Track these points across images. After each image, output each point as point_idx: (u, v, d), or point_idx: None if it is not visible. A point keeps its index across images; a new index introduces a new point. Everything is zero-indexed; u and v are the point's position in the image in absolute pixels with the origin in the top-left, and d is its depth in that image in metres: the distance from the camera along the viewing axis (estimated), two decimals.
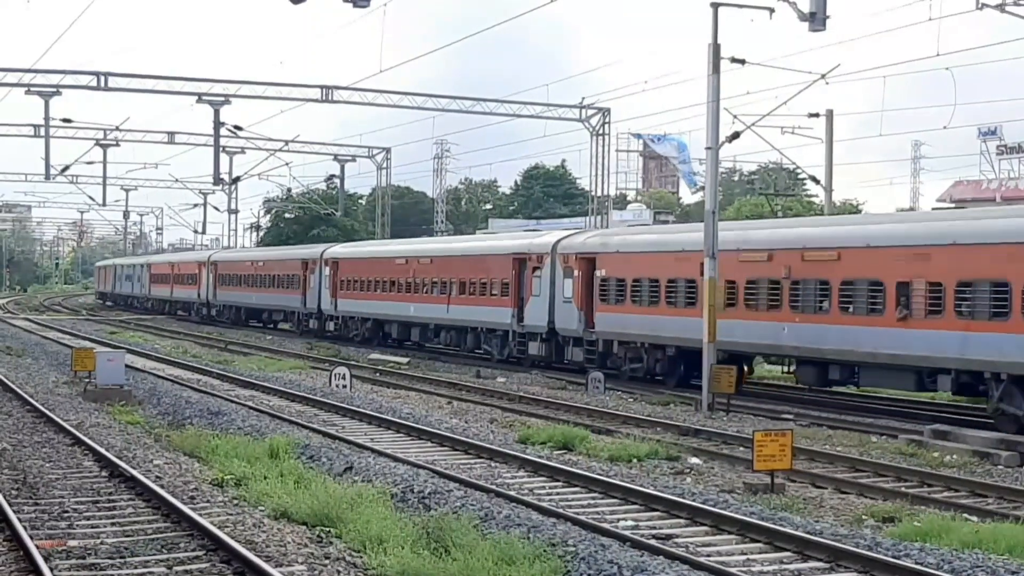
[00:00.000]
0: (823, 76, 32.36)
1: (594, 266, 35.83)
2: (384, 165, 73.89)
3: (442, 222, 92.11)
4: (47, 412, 24.11)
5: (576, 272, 36.57)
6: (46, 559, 12.02)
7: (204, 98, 52.01)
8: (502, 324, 40.68)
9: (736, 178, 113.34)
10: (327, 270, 53.89)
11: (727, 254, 28.78)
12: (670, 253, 32.80)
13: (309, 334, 55.71)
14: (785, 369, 35.06)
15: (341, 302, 52.86)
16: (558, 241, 38.62)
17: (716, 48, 28.26)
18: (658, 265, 33.08)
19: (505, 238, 48.37)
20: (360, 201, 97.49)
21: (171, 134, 67.57)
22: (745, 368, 31.68)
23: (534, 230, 63.24)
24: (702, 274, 28.68)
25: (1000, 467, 19.96)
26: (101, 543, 12.97)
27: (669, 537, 13.87)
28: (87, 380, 29.10)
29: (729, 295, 29.52)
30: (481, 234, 73.06)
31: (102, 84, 48.99)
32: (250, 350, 48.01)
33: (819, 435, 23.39)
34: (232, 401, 27.45)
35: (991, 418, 24.05)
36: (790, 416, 26.48)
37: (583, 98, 55.59)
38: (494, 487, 16.57)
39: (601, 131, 55.77)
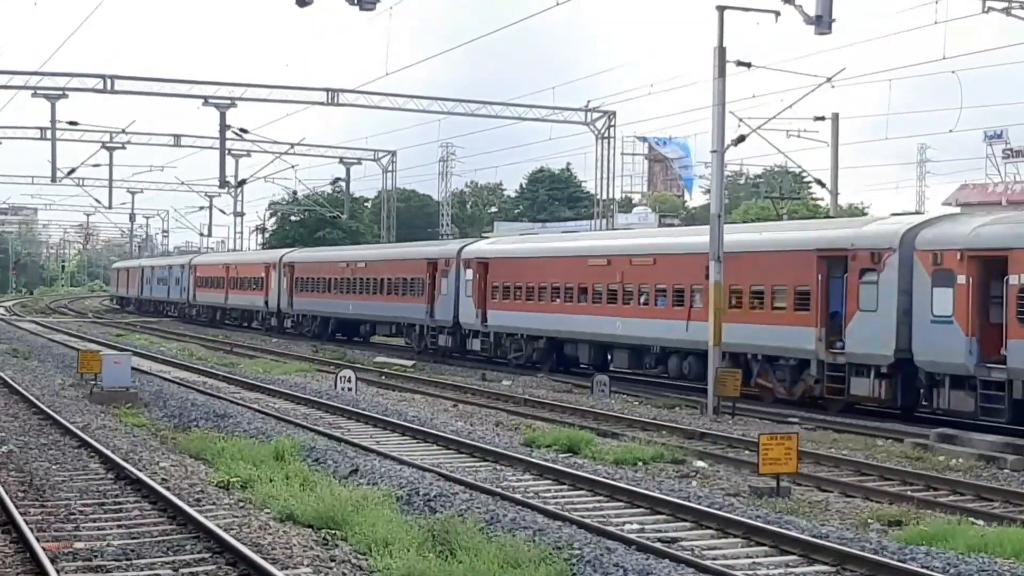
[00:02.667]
0: (829, 79, 32.35)
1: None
2: (390, 168, 73.94)
3: (447, 225, 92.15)
4: (53, 414, 24.14)
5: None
6: (52, 561, 12.04)
7: (210, 101, 52.06)
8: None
9: (742, 181, 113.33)
10: (468, 273, 43.44)
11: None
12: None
13: (437, 354, 45.47)
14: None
15: (494, 315, 41.69)
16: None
17: (722, 51, 28.28)
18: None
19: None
20: (365, 204, 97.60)
21: (177, 137, 67.68)
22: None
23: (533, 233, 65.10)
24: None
25: (1006, 471, 19.91)
26: (107, 545, 12.98)
27: (675, 540, 13.87)
28: (93, 382, 29.12)
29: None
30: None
31: (108, 87, 49.07)
32: (255, 353, 48.03)
33: (824, 438, 23.37)
34: (238, 404, 27.47)
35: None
36: (795, 419, 26.46)
37: (588, 101, 55.63)
38: (499, 490, 16.56)
39: (606, 134, 55.77)
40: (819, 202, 74.50)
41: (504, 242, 46.38)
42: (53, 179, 58.67)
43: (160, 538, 13.44)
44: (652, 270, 33.91)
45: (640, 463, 20.17)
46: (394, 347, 50.84)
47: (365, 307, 52.49)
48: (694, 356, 31.49)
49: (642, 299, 34.10)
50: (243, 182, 70.22)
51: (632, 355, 34.80)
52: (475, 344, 42.97)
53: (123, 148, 66.82)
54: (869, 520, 16.01)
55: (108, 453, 18.95)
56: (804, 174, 72.23)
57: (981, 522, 15.69)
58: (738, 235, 31.26)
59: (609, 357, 36.70)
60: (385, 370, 39.59)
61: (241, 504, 15.57)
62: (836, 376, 27.53)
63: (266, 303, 64.04)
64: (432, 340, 45.82)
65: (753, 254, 30.24)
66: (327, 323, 57.97)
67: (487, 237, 50.89)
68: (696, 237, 32.70)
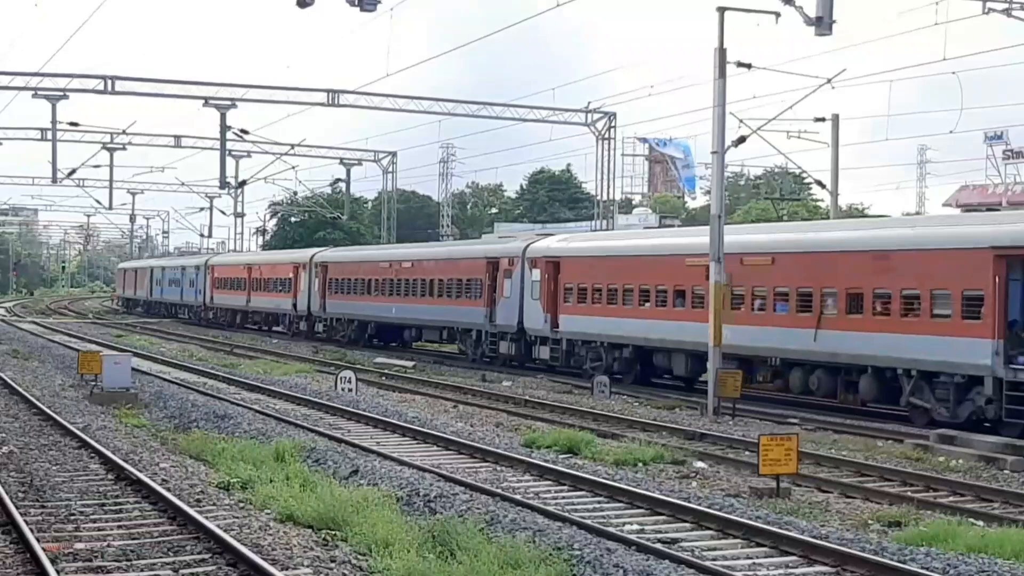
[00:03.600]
0: (829, 80, 32.36)
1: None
2: (390, 169, 73.95)
3: (448, 226, 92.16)
4: (53, 415, 24.14)
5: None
6: (52, 561, 12.04)
7: (211, 102, 52.08)
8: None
9: (742, 182, 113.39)
10: (535, 273, 39.12)
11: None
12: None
13: (496, 362, 41.76)
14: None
15: (567, 320, 37.52)
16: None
17: (722, 52, 28.29)
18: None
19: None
20: (366, 205, 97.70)
21: (177, 138, 67.68)
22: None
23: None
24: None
25: (1006, 472, 19.92)
26: (107, 546, 12.98)
27: (675, 541, 13.87)
28: (93, 383, 29.13)
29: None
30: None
31: (109, 88, 49.08)
32: (255, 353, 48.03)
33: (825, 439, 23.38)
34: (238, 404, 27.47)
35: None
36: (796, 420, 26.47)
37: (589, 102, 55.64)
38: (500, 491, 16.56)
39: (607, 135, 55.79)
40: (819, 203, 74.61)
41: (578, 239, 41.78)
42: (54, 180, 58.70)
43: (160, 539, 13.44)
44: (770, 271, 29.90)
45: (640, 464, 20.18)
46: (445, 355, 47.41)
47: (411, 311, 48.07)
48: (824, 370, 28.21)
49: (756, 304, 30.20)
50: (243, 183, 70.22)
51: (740, 368, 29.44)
52: (543, 352, 38.76)
53: (123, 149, 66.85)
54: (869, 521, 16.01)
55: (108, 454, 18.95)
56: (804, 175, 72.21)
57: (981, 523, 15.69)
58: (888, 230, 28.08)
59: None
60: (385, 371, 39.59)
61: (241, 505, 15.58)
62: (1017, 396, 23.48)
63: (294, 306, 59.97)
64: (491, 347, 41.98)
65: (906, 253, 26.20)
66: (364, 327, 53.42)
67: (551, 234, 44.32)
68: (830, 232, 30.02)
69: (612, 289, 35.68)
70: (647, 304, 34.07)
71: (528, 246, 40.62)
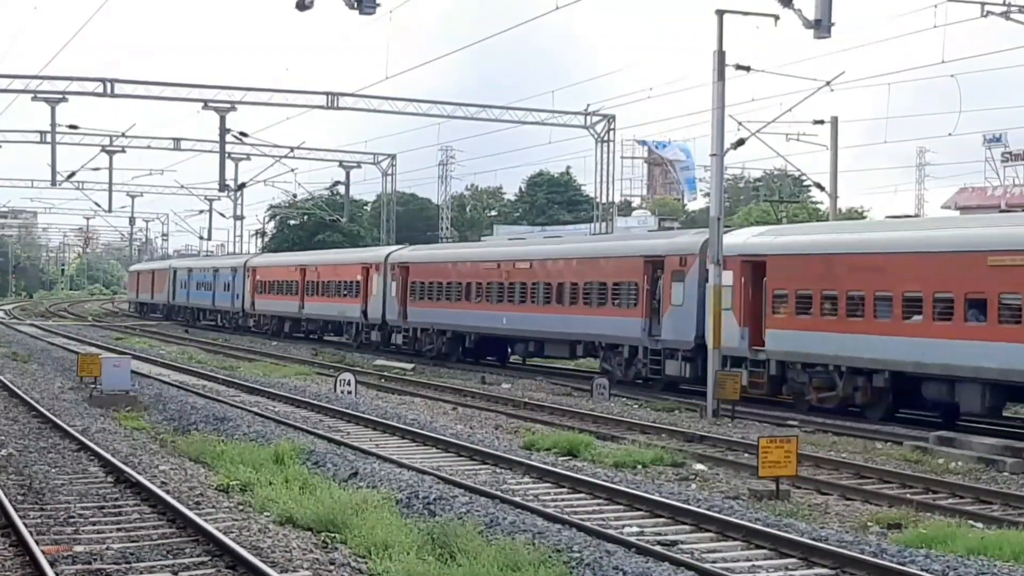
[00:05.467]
0: (828, 83, 32.42)
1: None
2: (389, 171, 73.95)
3: (447, 229, 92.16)
4: (53, 418, 24.14)
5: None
6: (52, 564, 12.03)
7: (210, 104, 52.05)
8: None
9: (742, 184, 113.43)
10: (727, 276, 30.08)
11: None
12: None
13: (658, 385, 33.88)
14: None
15: (781, 337, 29.14)
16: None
17: (721, 55, 28.33)
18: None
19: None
20: (365, 207, 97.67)
21: (177, 140, 67.63)
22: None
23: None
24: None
25: (1005, 474, 19.93)
26: (107, 548, 12.98)
27: (674, 543, 13.87)
28: (93, 386, 29.12)
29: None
30: None
31: (108, 91, 49.05)
32: (255, 356, 48.03)
33: (824, 441, 23.37)
34: (237, 407, 27.47)
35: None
36: (795, 422, 26.47)
37: (588, 105, 55.64)
38: (499, 493, 16.56)
39: (606, 138, 55.79)
40: (819, 206, 74.64)
41: (788, 232, 32.28)
42: (53, 183, 58.62)
43: (160, 541, 13.44)
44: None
45: (640, 466, 20.18)
46: (579, 373, 41.20)
47: (531, 321, 39.74)
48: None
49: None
50: (243, 186, 70.14)
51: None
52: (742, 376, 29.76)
53: (123, 152, 66.79)
54: (868, 523, 16.01)
55: (108, 456, 18.95)
56: (804, 177, 72.26)
57: (980, 525, 15.70)
58: None
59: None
60: (385, 373, 39.60)
61: (241, 507, 15.58)
62: None
63: (364, 313, 51.67)
64: (653, 366, 33.99)
65: None
66: (461, 339, 45.08)
67: (733, 229, 35.29)
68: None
69: (855, 296, 27.34)
70: (915, 317, 25.85)
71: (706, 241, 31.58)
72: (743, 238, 31.80)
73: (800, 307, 28.67)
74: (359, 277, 52.50)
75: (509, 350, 44.41)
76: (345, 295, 54.01)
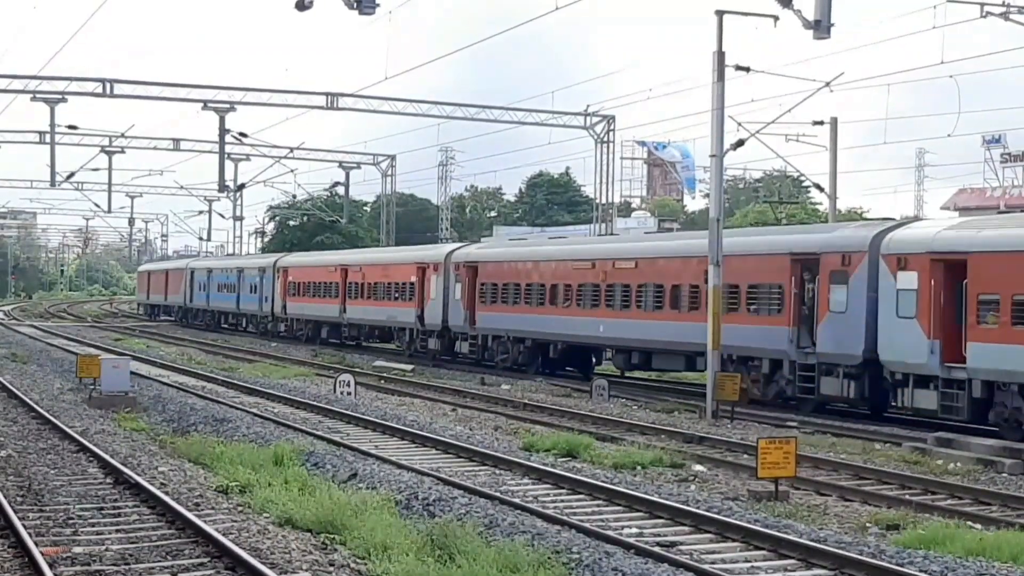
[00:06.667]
0: (827, 84, 32.40)
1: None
2: (389, 172, 73.94)
3: (447, 229, 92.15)
4: (52, 419, 24.14)
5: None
6: (51, 566, 12.04)
7: (209, 105, 52.04)
8: None
9: (742, 186, 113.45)
10: (900, 278, 25.99)
11: None
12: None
13: (818, 407, 28.72)
14: None
15: (987, 351, 23.86)
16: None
17: (720, 56, 28.32)
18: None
19: None
20: (365, 208, 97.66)
21: (176, 141, 67.63)
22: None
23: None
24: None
25: (1004, 475, 19.94)
26: (106, 550, 12.98)
27: (673, 544, 13.88)
28: (92, 387, 29.11)
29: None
30: None
31: (108, 91, 49.03)
32: (254, 357, 48.01)
33: (823, 442, 23.37)
34: (237, 408, 27.46)
35: None
36: (794, 423, 26.47)
37: (588, 106, 55.60)
38: (498, 494, 16.56)
39: (606, 138, 55.78)
40: (818, 206, 74.65)
41: (997, 223, 26.77)
42: (52, 183, 58.62)
43: (159, 543, 13.44)
44: None
45: (639, 467, 20.18)
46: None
47: (637, 329, 34.19)
48: None
49: None
50: (242, 186, 70.21)
51: None
52: (921, 399, 25.42)
53: (122, 152, 66.82)
54: (867, 524, 16.02)
55: (107, 457, 18.95)
56: (803, 178, 72.30)
57: (979, 526, 15.71)
58: None
59: None
60: (384, 374, 39.59)
61: (240, 508, 15.58)
62: None
63: (420, 318, 46.18)
64: (803, 384, 28.58)
65: None
66: (545, 349, 39.61)
67: (895, 221, 30.78)
68: None
69: None
70: None
71: (884, 235, 27.02)
72: (932, 231, 26.50)
73: (1019, 316, 23.43)
74: (413, 278, 47.11)
75: (594, 360, 40.47)
76: (397, 298, 48.77)
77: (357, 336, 55.23)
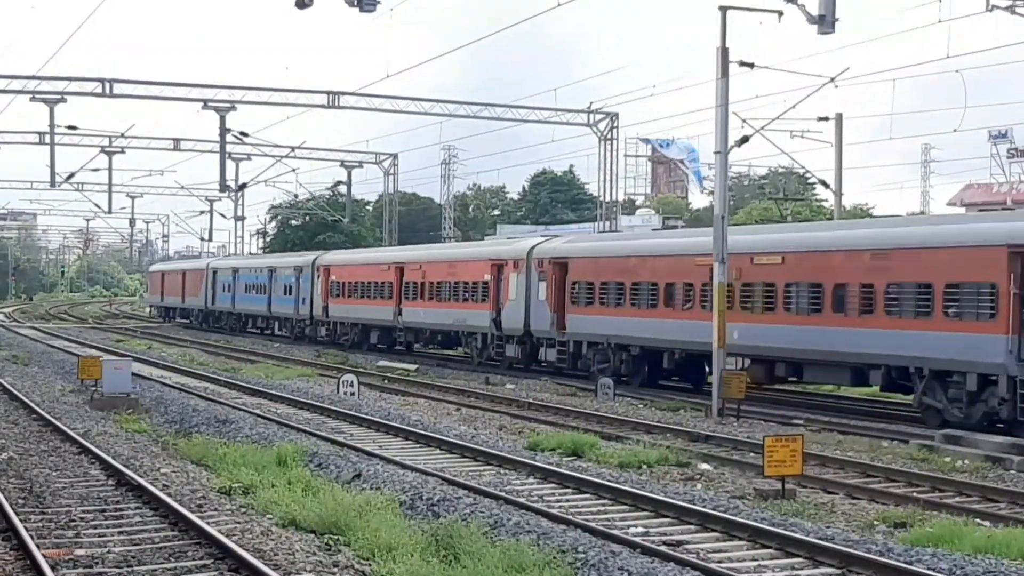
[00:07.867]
0: (832, 79, 32.25)
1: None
2: (391, 171, 73.92)
3: (450, 228, 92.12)
4: (53, 420, 24.07)
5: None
6: (53, 568, 11.96)
7: (210, 104, 52.04)
8: None
9: (746, 182, 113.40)
10: None
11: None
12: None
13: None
14: None
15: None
16: None
17: (724, 52, 28.22)
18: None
19: None
20: (367, 207, 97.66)
21: (177, 141, 67.69)
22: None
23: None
24: None
25: (1012, 472, 19.82)
26: (108, 552, 12.90)
27: (679, 543, 13.80)
28: (94, 388, 29.04)
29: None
30: None
31: (107, 91, 49.03)
32: (257, 358, 47.95)
33: (830, 440, 23.28)
34: (239, 409, 27.39)
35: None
36: (800, 421, 26.38)
37: (591, 103, 55.58)
38: (503, 494, 16.49)
39: (609, 136, 55.72)
40: (823, 203, 74.53)
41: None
42: (52, 184, 58.65)
43: (161, 545, 13.36)
44: None
45: (644, 466, 20.09)
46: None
47: (785, 336, 28.98)
48: None
49: None
50: (243, 186, 70.19)
51: None
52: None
53: (122, 152, 66.87)
54: (875, 522, 15.93)
55: (109, 459, 18.88)
56: (808, 175, 72.22)
57: (987, 523, 15.62)
58: None
59: None
60: (388, 374, 39.50)
61: (243, 510, 15.50)
62: None
63: (495, 322, 41.34)
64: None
65: None
66: (652, 357, 34.47)
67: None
68: None
69: None
70: None
71: None
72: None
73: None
74: (487, 276, 41.94)
75: (707, 369, 31.74)
76: (467, 299, 43.52)
77: (414, 341, 50.19)
